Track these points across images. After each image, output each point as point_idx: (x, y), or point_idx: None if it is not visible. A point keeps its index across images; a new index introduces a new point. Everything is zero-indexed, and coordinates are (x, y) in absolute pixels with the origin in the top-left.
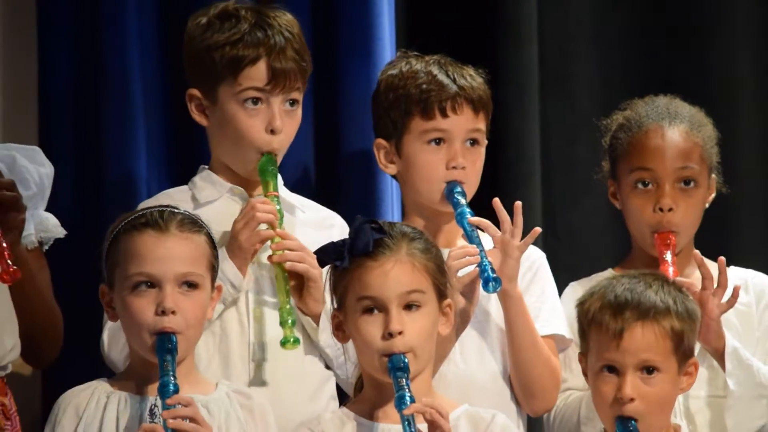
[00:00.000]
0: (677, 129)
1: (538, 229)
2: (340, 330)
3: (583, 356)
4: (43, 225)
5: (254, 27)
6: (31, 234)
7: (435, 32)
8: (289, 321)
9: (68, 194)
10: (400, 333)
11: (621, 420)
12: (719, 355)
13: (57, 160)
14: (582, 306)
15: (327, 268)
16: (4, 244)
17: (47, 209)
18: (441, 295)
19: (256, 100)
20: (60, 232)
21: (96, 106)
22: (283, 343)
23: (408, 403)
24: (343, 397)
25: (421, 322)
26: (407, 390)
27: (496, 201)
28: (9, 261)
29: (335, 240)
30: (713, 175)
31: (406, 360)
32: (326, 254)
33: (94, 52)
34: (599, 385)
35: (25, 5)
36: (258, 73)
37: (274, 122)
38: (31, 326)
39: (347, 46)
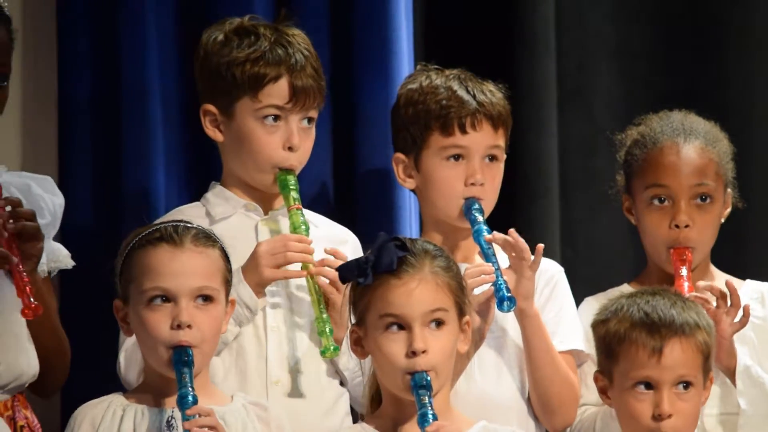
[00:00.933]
0: (692, 145)
1: (540, 246)
2: (359, 345)
3: (601, 374)
4: (54, 255)
5: (275, 45)
6: (42, 263)
7: (452, 47)
8: (327, 330)
9: (87, 207)
10: (423, 351)
11: None
12: (731, 374)
13: (76, 172)
14: (605, 325)
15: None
16: (26, 279)
17: (63, 230)
18: (461, 312)
19: (275, 117)
20: (69, 263)
21: (115, 119)
22: (323, 352)
23: (431, 420)
24: (354, 413)
25: (444, 341)
26: (430, 408)
27: (513, 233)
28: (31, 297)
29: (348, 256)
30: (729, 190)
31: (429, 378)
32: (349, 271)
33: (112, 65)
34: (632, 403)
35: (45, 18)
36: (279, 91)
37: (293, 139)
38: (40, 354)
39: (365, 62)
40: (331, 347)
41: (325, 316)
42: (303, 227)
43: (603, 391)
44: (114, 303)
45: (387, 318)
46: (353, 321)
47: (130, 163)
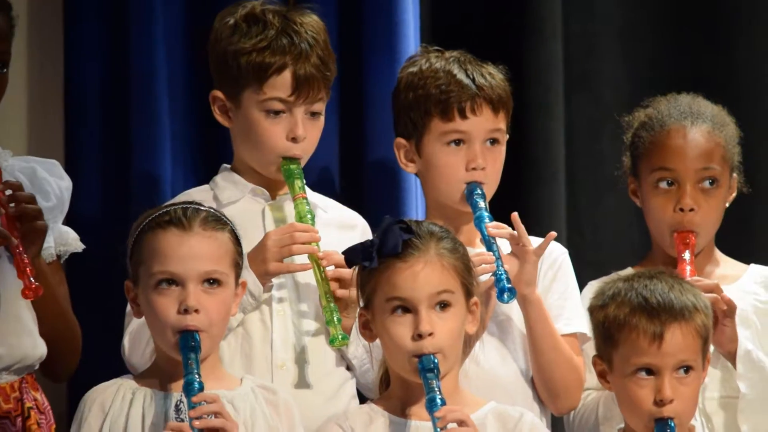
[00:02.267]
0: (699, 129)
1: (553, 233)
2: (367, 329)
3: (600, 359)
4: (62, 238)
5: (280, 34)
6: (50, 247)
7: (459, 31)
8: (335, 319)
9: (94, 194)
10: (430, 334)
11: (660, 422)
12: (732, 358)
13: (82, 159)
14: (603, 310)
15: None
16: (26, 260)
17: (71, 218)
18: (468, 293)
19: (279, 110)
20: (78, 246)
21: (122, 105)
22: (332, 341)
23: (439, 405)
24: (362, 397)
25: (451, 323)
26: (438, 392)
27: (515, 216)
28: (31, 278)
29: (357, 240)
30: (734, 175)
31: (437, 361)
32: (355, 255)
33: (120, 50)
34: (633, 388)
35: (52, 5)
36: (283, 83)
37: (297, 130)
38: (49, 339)
39: (372, 45)
40: (339, 336)
41: (332, 305)
42: (309, 216)
43: (602, 375)
44: (125, 284)
45: (393, 301)
46: (361, 304)
47: (137, 149)
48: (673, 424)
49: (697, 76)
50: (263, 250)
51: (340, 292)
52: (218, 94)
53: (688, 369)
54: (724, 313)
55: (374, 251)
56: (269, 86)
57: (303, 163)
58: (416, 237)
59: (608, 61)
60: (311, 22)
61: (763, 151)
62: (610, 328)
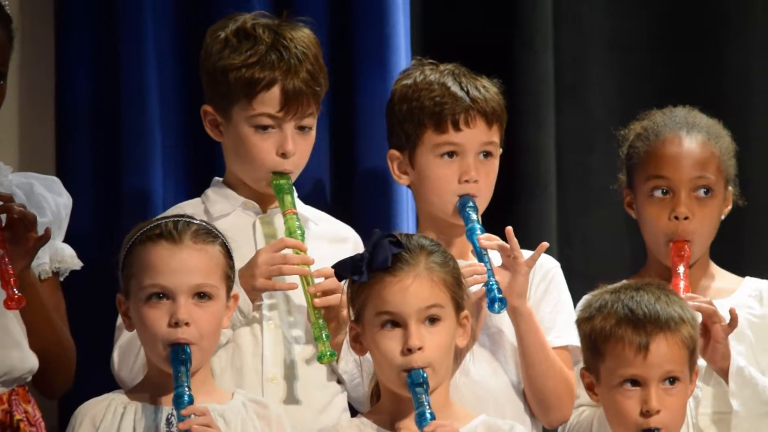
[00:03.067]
0: (695, 138)
1: (545, 244)
2: (357, 342)
3: (587, 371)
4: (58, 255)
5: (270, 50)
6: (44, 263)
7: (450, 43)
8: (323, 335)
9: (86, 207)
10: (419, 348)
11: None
12: (725, 375)
13: (73, 172)
14: (589, 323)
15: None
16: (11, 271)
17: (68, 237)
18: (459, 307)
19: (268, 126)
20: (76, 263)
21: (113, 119)
22: (320, 358)
23: (429, 419)
24: (353, 411)
25: (440, 337)
26: (427, 406)
27: (509, 230)
28: (15, 288)
29: (349, 254)
30: (730, 188)
31: (426, 375)
32: (344, 269)
33: (111, 65)
34: (620, 400)
35: (44, 15)
36: (271, 99)
37: (286, 146)
38: (40, 354)
39: (363, 58)
40: (328, 353)
41: (321, 321)
42: (299, 232)
43: (590, 388)
44: (117, 297)
45: (383, 315)
46: (351, 318)
47: (128, 162)
48: None
49: (686, 88)
50: (253, 266)
51: (343, 314)
52: (209, 108)
53: (674, 380)
54: (717, 331)
55: (364, 265)
56: (258, 102)
57: (294, 177)
58: (406, 251)
59: (598, 73)
60: (302, 36)
61: (753, 163)
62: (597, 340)
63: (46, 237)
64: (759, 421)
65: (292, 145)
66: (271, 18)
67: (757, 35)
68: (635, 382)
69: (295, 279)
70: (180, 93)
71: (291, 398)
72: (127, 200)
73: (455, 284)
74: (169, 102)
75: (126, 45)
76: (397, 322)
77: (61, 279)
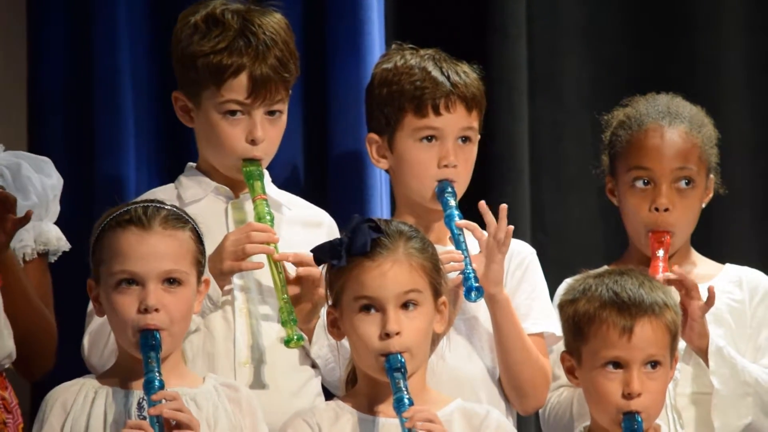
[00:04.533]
0: (677, 129)
1: (510, 228)
2: (335, 327)
3: (568, 354)
4: (43, 236)
5: (238, 36)
6: (28, 245)
7: (424, 30)
8: (291, 319)
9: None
10: (397, 333)
11: (627, 416)
12: (704, 354)
13: (46, 156)
14: (573, 305)
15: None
16: None
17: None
18: (437, 293)
19: (237, 111)
20: (63, 245)
21: (86, 104)
22: (287, 342)
23: (407, 405)
24: (328, 395)
25: (418, 322)
26: (405, 391)
27: (482, 204)
28: None
29: (324, 238)
30: (711, 176)
31: (403, 360)
32: (323, 253)
33: (84, 50)
34: (602, 382)
35: (15, 6)
36: (239, 86)
37: (255, 132)
38: (21, 336)
39: (336, 42)
40: (295, 337)
41: (289, 305)
42: (267, 217)
43: (570, 371)
44: (87, 282)
45: (361, 300)
46: (329, 302)
47: (101, 149)
48: (640, 419)
49: (659, 76)
50: (220, 250)
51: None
52: (179, 95)
53: (655, 364)
54: (693, 309)
55: (343, 250)
56: (226, 88)
57: (265, 164)
58: (385, 236)
59: (572, 61)
60: (271, 21)
61: (726, 150)
62: (580, 322)
63: (26, 219)
64: (737, 401)
65: (261, 132)
66: (241, 3)
67: (729, 23)
68: (618, 364)
69: (263, 261)
70: (153, 77)
71: (264, 382)
72: (100, 185)
73: (434, 270)
74: (142, 86)
75: (99, 28)
76: (375, 306)
77: (52, 260)
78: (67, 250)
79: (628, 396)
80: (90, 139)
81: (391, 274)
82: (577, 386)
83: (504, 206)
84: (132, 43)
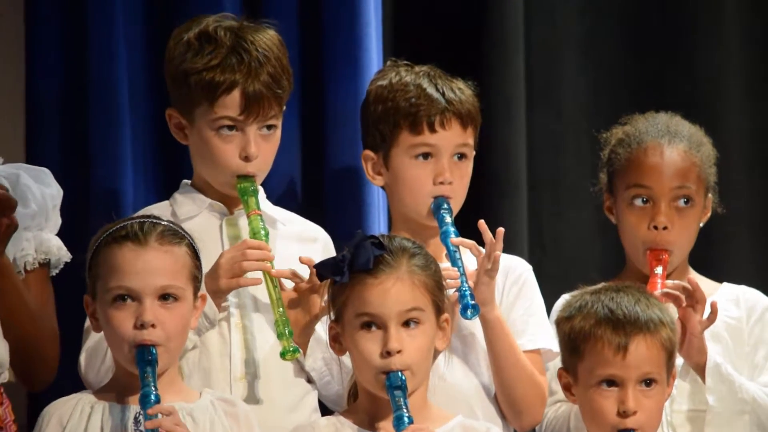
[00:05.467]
0: (676, 148)
1: (498, 254)
2: (337, 342)
3: (565, 371)
4: (43, 246)
5: (230, 53)
6: (29, 254)
7: (422, 44)
8: (287, 332)
9: None
10: (398, 351)
11: None
12: (701, 370)
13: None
14: (569, 322)
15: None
16: None
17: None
18: (439, 310)
19: (231, 127)
20: (64, 254)
21: (82, 117)
22: (283, 354)
23: (406, 423)
24: (323, 410)
25: (419, 340)
26: (405, 410)
27: (482, 223)
28: None
29: (319, 253)
30: (710, 195)
31: (404, 378)
32: (326, 269)
33: (81, 62)
34: (598, 400)
35: (13, 12)
36: (232, 102)
37: (249, 149)
38: (19, 344)
39: (334, 58)
40: (291, 349)
41: (285, 318)
42: (262, 233)
43: (567, 388)
44: (84, 298)
45: (363, 317)
46: (332, 317)
47: (98, 161)
48: None
49: (658, 88)
50: (216, 268)
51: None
52: (173, 112)
53: (651, 382)
54: (693, 325)
55: (345, 266)
56: (219, 105)
57: (260, 180)
58: (388, 253)
59: (570, 73)
60: (264, 38)
61: (725, 168)
62: (576, 340)
63: (13, 225)
64: (734, 419)
65: (254, 148)
66: (235, 20)
67: (728, 34)
68: (612, 382)
69: (259, 276)
70: (150, 88)
71: (259, 398)
72: (97, 199)
73: (436, 288)
74: (139, 100)
75: (96, 42)
76: (376, 324)
77: (56, 272)
78: (68, 260)
79: (623, 414)
80: (86, 152)
81: (394, 291)
82: (574, 403)
83: (501, 230)
84: (129, 55)
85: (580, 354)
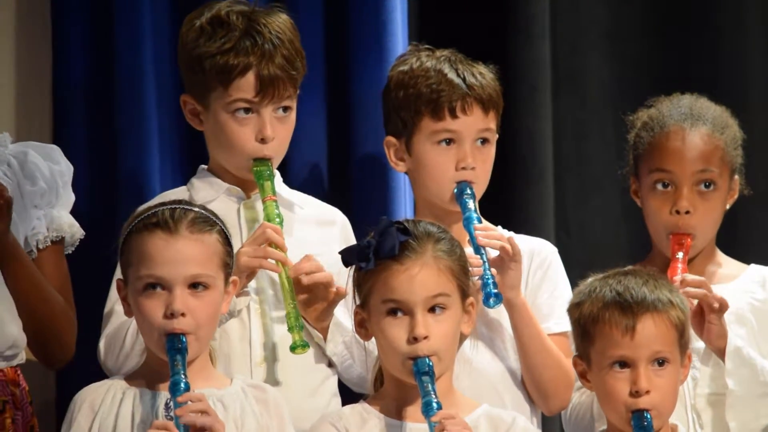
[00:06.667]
0: (698, 131)
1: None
2: (363, 327)
3: (579, 358)
4: (55, 224)
5: (244, 36)
6: (40, 232)
7: (447, 30)
8: (297, 325)
9: (81, 190)
10: (425, 337)
11: (636, 413)
12: (722, 354)
13: (70, 157)
14: (579, 308)
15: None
16: None
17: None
18: (464, 294)
19: (246, 110)
20: (77, 231)
21: (109, 103)
22: (293, 349)
23: (435, 409)
24: (345, 392)
25: (446, 325)
26: (434, 395)
27: (511, 239)
28: None
29: (336, 236)
30: (736, 177)
31: (431, 363)
32: (351, 255)
33: (107, 48)
34: (611, 382)
35: (40, 4)
36: (247, 85)
37: (265, 131)
38: (33, 323)
39: (360, 43)
40: (300, 344)
41: (295, 311)
42: (277, 219)
43: (583, 376)
44: (116, 282)
45: (389, 303)
46: (357, 302)
47: (124, 146)
48: (649, 416)
49: (683, 74)
50: (238, 256)
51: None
52: (188, 98)
53: (663, 361)
54: (711, 309)
55: (371, 253)
56: (234, 88)
57: (276, 163)
58: (413, 239)
59: (595, 59)
60: (277, 21)
61: (751, 150)
62: (586, 325)
63: (5, 204)
64: (756, 402)
65: (270, 130)
66: (246, 4)
67: (754, 21)
68: (624, 363)
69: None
70: (176, 76)
71: (280, 382)
72: (124, 184)
73: (461, 272)
74: (165, 85)
75: (123, 28)
76: (403, 310)
77: (71, 250)
78: (82, 237)
79: (635, 394)
80: (113, 137)
81: (419, 278)
82: (591, 390)
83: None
84: (155, 41)
85: (591, 338)
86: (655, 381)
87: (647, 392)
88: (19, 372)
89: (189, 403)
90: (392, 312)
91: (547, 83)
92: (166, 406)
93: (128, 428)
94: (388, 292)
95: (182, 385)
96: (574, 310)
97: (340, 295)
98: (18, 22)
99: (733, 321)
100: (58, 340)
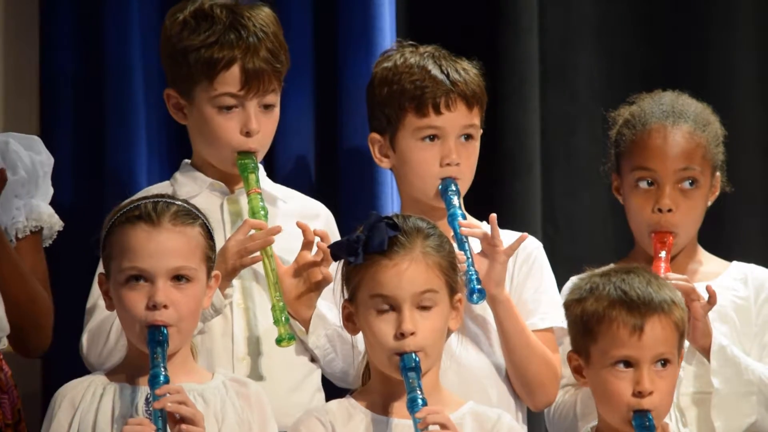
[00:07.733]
0: (680, 129)
1: (525, 235)
2: (350, 321)
3: (576, 354)
4: (34, 213)
5: (228, 29)
6: (19, 221)
7: (435, 23)
8: (283, 318)
9: (68, 183)
10: (412, 333)
11: (638, 414)
12: (706, 353)
13: (57, 149)
14: (580, 305)
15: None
16: None
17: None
18: (452, 291)
19: (230, 105)
20: (56, 222)
21: (97, 96)
22: (279, 341)
23: (420, 405)
24: (329, 387)
25: (433, 322)
26: (419, 392)
27: (493, 218)
28: None
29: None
30: (717, 174)
31: (418, 359)
32: (340, 250)
33: (95, 41)
34: (612, 381)
35: None
36: (232, 78)
37: (250, 125)
38: (13, 312)
39: (347, 39)
40: (286, 336)
41: (281, 304)
42: (262, 212)
43: (577, 371)
44: (98, 276)
45: (377, 298)
46: (345, 296)
47: (112, 139)
48: (651, 417)
49: (671, 70)
50: (224, 253)
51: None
52: (171, 92)
53: (665, 362)
54: (697, 307)
55: (360, 247)
56: (219, 82)
57: (260, 157)
58: (402, 234)
59: (584, 54)
60: (260, 14)
61: (735, 147)
62: (589, 322)
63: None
64: (740, 400)
65: (255, 124)
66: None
67: (743, 18)
68: (628, 363)
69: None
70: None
71: (262, 377)
72: (112, 177)
73: (450, 269)
74: (153, 78)
75: (110, 21)
76: (390, 305)
77: (50, 242)
78: (60, 228)
79: (639, 394)
80: (101, 131)
81: (408, 273)
82: (584, 386)
83: (494, 216)
84: (143, 34)
85: (593, 336)
86: (657, 382)
87: (650, 393)
88: (1, 356)
89: (167, 395)
90: (380, 307)
91: (536, 77)
92: (147, 401)
93: (108, 424)
94: (376, 287)
95: (161, 377)
96: (574, 305)
97: (326, 281)
98: (6, 14)
99: (716, 319)
100: (37, 329)
